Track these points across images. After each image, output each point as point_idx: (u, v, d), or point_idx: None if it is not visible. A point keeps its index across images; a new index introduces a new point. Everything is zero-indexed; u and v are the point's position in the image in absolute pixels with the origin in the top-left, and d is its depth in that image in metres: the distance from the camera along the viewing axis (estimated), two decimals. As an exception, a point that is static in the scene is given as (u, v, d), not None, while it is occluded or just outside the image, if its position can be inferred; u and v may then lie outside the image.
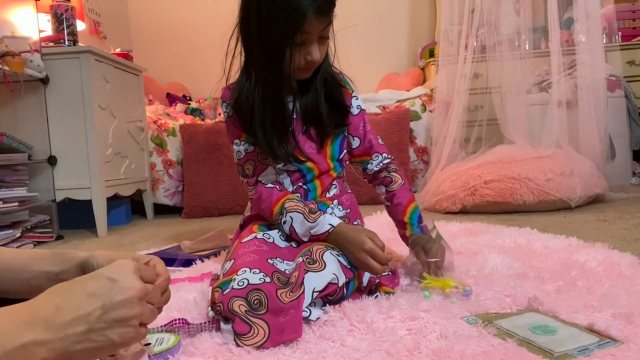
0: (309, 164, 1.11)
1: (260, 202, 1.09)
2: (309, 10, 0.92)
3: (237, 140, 1.12)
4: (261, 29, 0.97)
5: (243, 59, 1.09)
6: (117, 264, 0.53)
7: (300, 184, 1.13)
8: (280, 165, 1.11)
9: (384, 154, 1.21)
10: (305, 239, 1.03)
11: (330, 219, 1.01)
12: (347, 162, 1.21)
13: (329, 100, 1.11)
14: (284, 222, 1.04)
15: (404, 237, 1.15)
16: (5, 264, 0.63)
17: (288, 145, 1.07)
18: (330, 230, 0.99)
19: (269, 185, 1.10)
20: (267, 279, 0.84)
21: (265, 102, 1.04)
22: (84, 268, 0.64)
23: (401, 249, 1.28)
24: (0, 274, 0.62)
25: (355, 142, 1.19)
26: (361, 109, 1.20)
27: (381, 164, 1.20)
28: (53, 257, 0.65)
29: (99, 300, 0.47)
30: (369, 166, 1.20)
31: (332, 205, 1.13)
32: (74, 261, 0.64)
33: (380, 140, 1.22)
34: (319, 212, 1.02)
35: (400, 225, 1.15)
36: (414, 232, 1.12)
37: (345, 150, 1.18)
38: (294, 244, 1.05)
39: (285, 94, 1.06)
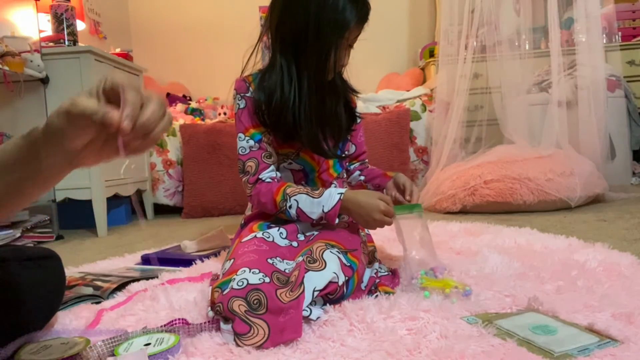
0: (311, 162, 1.13)
1: (260, 197, 1.10)
2: (354, 18, 1.01)
3: (241, 135, 1.12)
4: (313, 29, 1.01)
5: (269, 54, 1.12)
6: None
7: (303, 183, 1.15)
8: (285, 164, 1.13)
9: (366, 159, 1.33)
10: (314, 217, 1.04)
11: (335, 190, 1.05)
12: (347, 163, 1.23)
13: (345, 105, 1.17)
14: (290, 207, 1.05)
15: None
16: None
17: (327, 142, 1.11)
18: (341, 198, 1.03)
19: (267, 180, 1.11)
20: (267, 279, 0.84)
21: (311, 98, 1.07)
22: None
23: (400, 249, 1.28)
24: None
25: (352, 149, 1.26)
26: (360, 118, 1.26)
27: (360, 163, 1.31)
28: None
29: None
30: (352, 166, 1.30)
31: None
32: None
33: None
34: (321, 189, 1.06)
35: (381, 177, 1.23)
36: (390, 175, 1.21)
37: (346, 152, 1.21)
38: (294, 244, 1.05)
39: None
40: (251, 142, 1.11)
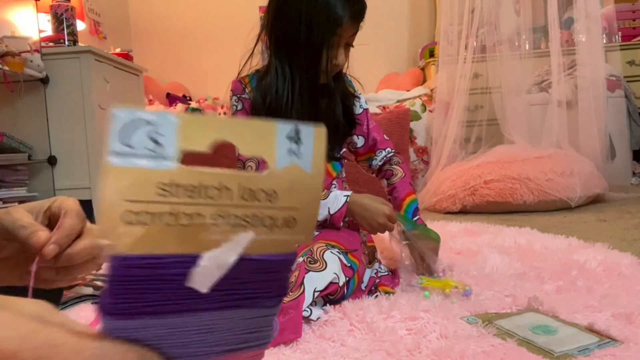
0: None
1: None
2: (346, 14, 0.99)
3: None
4: (303, 28, 1.00)
5: (268, 55, 1.11)
6: None
7: None
8: None
9: (388, 149, 1.23)
10: (319, 218, 1.04)
11: (340, 192, 1.05)
12: (345, 160, 1.21)
13: (343, 109, 1.14)
14: None
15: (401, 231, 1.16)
16: None
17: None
18: (347, 201, 1.03)
19: None
20: (267, 279, 0.84)
21: (303, 98, 1.07)
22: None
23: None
24: None
25: (360, 141, 1.21)
26: (364, 108, 1.22)
27: (384, 159, 1.23)
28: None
29: None
30: (373, 162, 1.24)
31: None
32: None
33: (385, 137, 1.25)
34: (326, 191, 1.06)
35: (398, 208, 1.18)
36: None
37: (344, 149, 1.19)
38: (293, 244, 1.05)
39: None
40: None
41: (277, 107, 1.06)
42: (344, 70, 1.15)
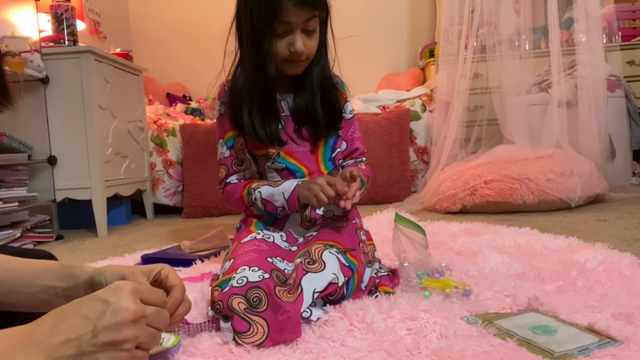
0: (296, 163, 1.11)
1: (228, 197, 1.13)
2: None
3: (221, 141, 1.16)
4: (247, 18, 1.01)
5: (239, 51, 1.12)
6: (115, 286, 0.52)
7: None
8: (269, 163, 1.11)
9: (363, 157, 1.25)
10: (277, 205, 1.05)
11: (295, 180, 1.05)
12: (340, 161, 1.20)
13: (324, 102, 1.12)
14: (255, 199, 1.07)
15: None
16: (14, 276, 0.62)
17: (270, 127, 1.08)
18: (299, 183, 1.03)
19: (234, 181, 1.14)
20: (266, 275, 0.84)
21: (252, 87, 1.07)
22: (92, 284, 0.62)
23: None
24: (8, 286, 0.61)
25: (343, 146, 1.20)
26: (353, 114, 1.23)
27: (355, 161, 1.24)
28: (60, 271, 0.64)
29: (90, 322, 0.47)
30: (345, 164, 1.24)
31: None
32: (81, 277, 0.63)
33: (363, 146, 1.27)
34: (283, 180, 1.08)
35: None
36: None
37: (338, 150, 1.17)
38: (292, 248, 1.05)
39: (277, 87, 1.08)
40: (224, 149, 1.14)
41: (238, 100, 1.08)
42: (331, 66, 1.14)
